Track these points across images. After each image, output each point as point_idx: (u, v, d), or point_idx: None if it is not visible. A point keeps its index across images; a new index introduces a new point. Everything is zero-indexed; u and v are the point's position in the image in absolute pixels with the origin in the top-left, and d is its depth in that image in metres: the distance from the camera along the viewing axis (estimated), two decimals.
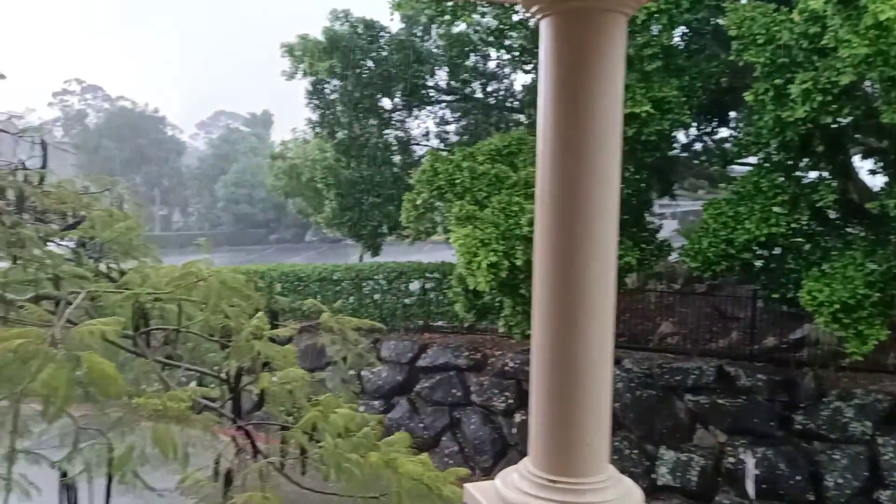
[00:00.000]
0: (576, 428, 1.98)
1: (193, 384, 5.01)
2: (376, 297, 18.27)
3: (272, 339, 4.60)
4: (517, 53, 14.24)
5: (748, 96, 11.01)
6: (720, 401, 13.36)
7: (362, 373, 15.72)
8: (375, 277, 18.30)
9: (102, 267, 5.94)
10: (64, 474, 4.18)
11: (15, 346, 3.35)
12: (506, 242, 11.16)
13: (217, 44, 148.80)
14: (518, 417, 14.78)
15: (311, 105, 17.90)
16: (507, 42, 14.47)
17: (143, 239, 6.21)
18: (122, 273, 5.76)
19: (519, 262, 11.05)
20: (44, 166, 6.11)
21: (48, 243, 5.74)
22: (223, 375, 4.68)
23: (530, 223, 11.09)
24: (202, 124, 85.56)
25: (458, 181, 12.43)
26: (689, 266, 12.21)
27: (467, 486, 2.25)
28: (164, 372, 4.58)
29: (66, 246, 6.06)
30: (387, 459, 4.15)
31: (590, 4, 1.87)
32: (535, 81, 15.22)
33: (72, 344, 3.48)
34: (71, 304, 4.37)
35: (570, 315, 1.93)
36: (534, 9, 1.97)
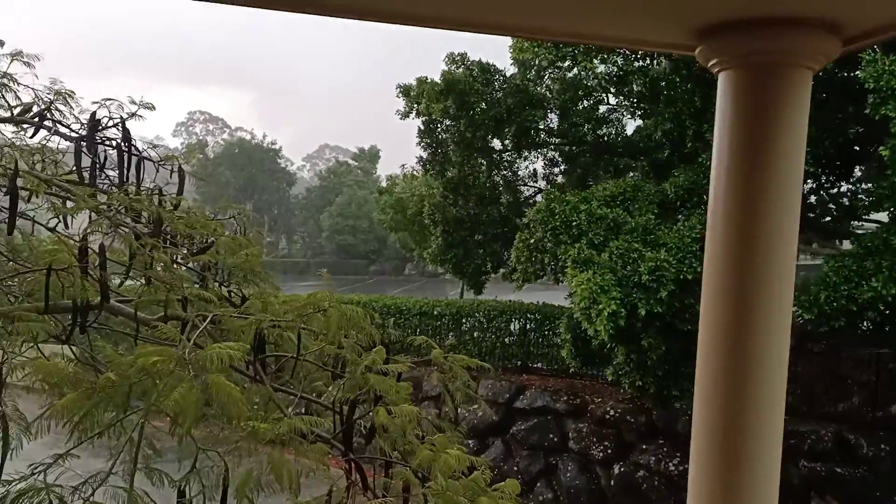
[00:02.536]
0: (743, 491, 1.84)
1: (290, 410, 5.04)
2: (476, 334, 18.19)
3: (384, 373, 4.60)
4: (635, 100, 14.11)
5: (884, 151, 10.53)
6: (838, 469, 12.48)
7: (458, 410, 15.63)
8: (476, 315, 18.24)
9: (224, 291, 6.13)
10: (181, 494, 4.26)
11: (152, 362, 3.48)
12: (623, 290, 10.86)
13: (325, 80, 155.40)
14: (617, 468, 14.23)
15: (423, 143, 18.28)
16: (626, 88, 14.38)
17: (263, 266, 6.39)
18: (244, 298, 5.91)
19: (641, 312, 10.70)
20: (180, 192, 6.39)
21: (176, 266, 6.00)
22: (336, 407, 4.70)
23: (651, 272, 10.73)
24: (308, 157, 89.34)
25: (574, 223, 12.25)
26: (803, 318, 11.55)
27: None
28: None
29: (193, 269, 6.29)
30: None
31: (776, 59, 1.77)
32: (648, 127, 14.97)
33: (199, 365, 3.58)
34: (198, 326, 4.51)
35: (740, 379, 1.80)
36: (712, 61, 1.88)
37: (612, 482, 14.24)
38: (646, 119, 14.65)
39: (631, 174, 16.25)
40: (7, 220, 4.90)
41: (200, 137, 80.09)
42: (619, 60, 14.32)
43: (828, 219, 15.98)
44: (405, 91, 17.96)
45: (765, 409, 1.82)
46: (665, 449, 13.87)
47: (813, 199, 15.81)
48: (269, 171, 70.86)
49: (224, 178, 65.91)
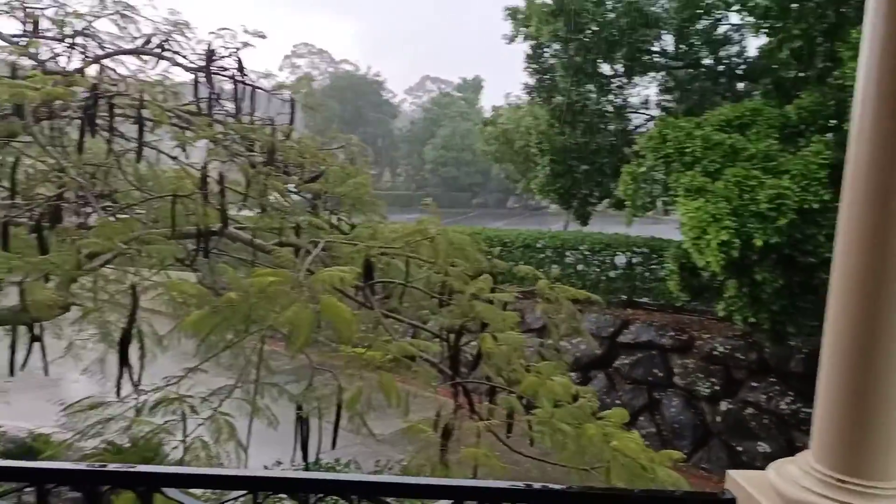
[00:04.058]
0: (873, 424, 1.73)
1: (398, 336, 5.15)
2: (580, 267, 17.94)
3: (490, 302, 4.61)
4: (760, 17, 13.04)
5: None
6: None
7: (561, 343, 15.62)
8: (580, 248, 17.96)
9: (334, 219, 6.27)
10: (299, 408, 4.48)
11: (268, 283, 3.62)
12: (738, 220, 10.27)
13: (426, 11, 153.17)
14: (724, 405, 13.92)
15: (530, 69, 17.72)
16: (750, 3, 13.29)
17: (372, 196, 6.47)
18: (353, 226, 6.02)
19: (758, 242, 10.12)
20: (291, 122, 6.51)
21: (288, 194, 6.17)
22: (442, 333, 4.77)
23: (770, 200, 10.12)
24: (410, 90, 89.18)
25: (688, 150, 11.61)
26: None
27: (733, 473, 2.06)
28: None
29: (304, 197, 6.44)
30: (603, 433, 4.01)
31: None
32: (772, 44, 13.90)
33: (313, 288, 3.69)
34: (310, 252, 4.65)
35: (877, 301, 1.66)
36: None
37: (719, 419, 13.97)
38: (771, 37, 13.52)
39: (749, 99, 15.21)
40: (136, 150, 5.16)
41: (306, 70, 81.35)
42: None
43: None
44: (512, 14, 17.36)
45: None
46: (777, 387, 13.40)
47: None
48: (374, 104, 71.34)
49: (330, 110, 66.84)
